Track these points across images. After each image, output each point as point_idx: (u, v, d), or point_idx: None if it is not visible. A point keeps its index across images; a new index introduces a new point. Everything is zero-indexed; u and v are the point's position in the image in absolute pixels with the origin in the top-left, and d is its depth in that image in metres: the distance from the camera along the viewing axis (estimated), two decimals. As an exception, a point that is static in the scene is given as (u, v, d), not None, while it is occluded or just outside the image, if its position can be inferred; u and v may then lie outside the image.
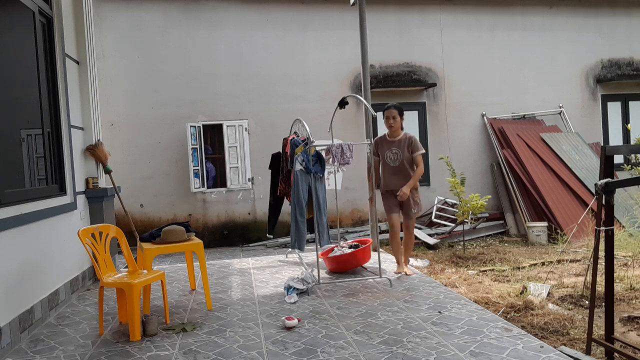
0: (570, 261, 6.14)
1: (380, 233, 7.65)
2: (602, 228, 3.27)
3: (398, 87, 8.90)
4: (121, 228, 4.66)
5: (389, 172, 5.22)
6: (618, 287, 4.86)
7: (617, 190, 3.38)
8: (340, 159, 5.35)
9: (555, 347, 3.31)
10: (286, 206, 6.43)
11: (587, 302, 4.40)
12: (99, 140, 6.04)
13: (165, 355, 3.30)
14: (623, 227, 7.21)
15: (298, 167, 5.41)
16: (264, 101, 8.40)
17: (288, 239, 7.88)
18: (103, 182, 6.09)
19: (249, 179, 8.30)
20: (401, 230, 5.34)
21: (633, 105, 10.00)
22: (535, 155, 8.72)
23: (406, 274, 5.23)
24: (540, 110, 9.50)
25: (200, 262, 4.33)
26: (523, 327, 3.80)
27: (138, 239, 5.01)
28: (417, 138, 5.23)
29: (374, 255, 5.72)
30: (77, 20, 5.79)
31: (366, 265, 5.62)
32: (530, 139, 8.91)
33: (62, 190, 4.98)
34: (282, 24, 8.56)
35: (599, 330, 3.63)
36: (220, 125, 8.23)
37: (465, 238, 7.79)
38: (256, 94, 8.42)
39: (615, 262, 3.66)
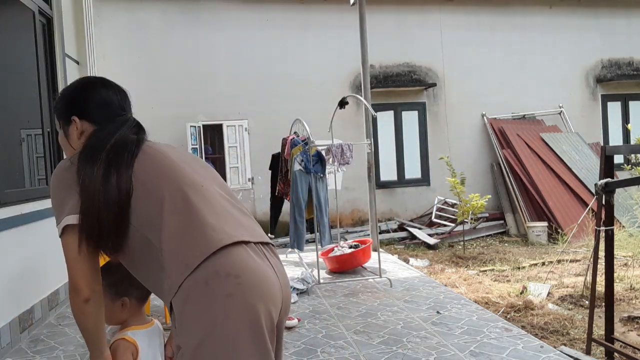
0: (570, 261, 6.14)
1: (380, 233, 7.65)
2: (602, 228, 3.27)
3: (398, 87, 8.90)
4: (121, 228, 4.65)
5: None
6: (618, 287, 4.86)
7: (617, 190, 3.38)
8: (340, 159, 5.36)
9: (555, 347, 3.31)
10: (286, 206, 6.44)
11: (587, 302, 4.40)
12: (99, 140, 6.03)
13: (165, 355, 3.30)
14: (623, 227, 7.20)
15: (297, 167, 5.41)
16: (264, 101, 8.39)
17: (288, 239, 7.87)
18: (103, 182, 6.08)
19: (249, 179, 8.30)
20: None
21: (633, 105, 10.00)
22: (535, 155, 8.72)
23: None
24: (540, 110, 9.50)
25: (200, 262, 4.31)
26: (523, 327, 3.80)
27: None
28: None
29: (374, 255, 5.72)
30: (77, 20, 5.78)
31: (366, 265, 5.62)
32: (530, 139, 8.91)
33: (62, 190, 4.97)
34: (282, 24, 8.56)
35: (599, 330, 3.63)
36: (220, 125, 8.22)
37: (465, 238, 7.78)
38: (256, 94, 8.41)
39: (615, 262, 3.65)
